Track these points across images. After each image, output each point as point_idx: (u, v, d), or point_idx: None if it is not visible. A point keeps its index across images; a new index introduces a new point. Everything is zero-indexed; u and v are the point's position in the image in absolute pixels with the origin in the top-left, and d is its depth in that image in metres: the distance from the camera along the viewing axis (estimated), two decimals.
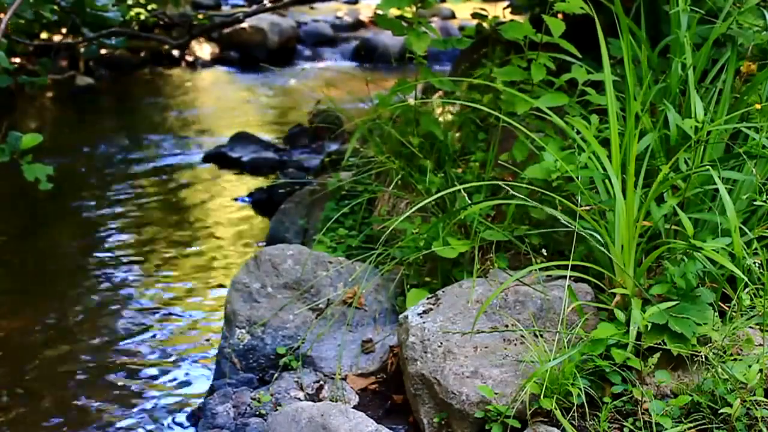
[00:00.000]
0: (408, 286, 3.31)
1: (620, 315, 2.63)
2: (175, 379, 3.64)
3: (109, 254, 4.92)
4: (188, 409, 3.38)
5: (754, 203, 2.82)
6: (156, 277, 4.63)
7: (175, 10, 9.54)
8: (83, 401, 3.48)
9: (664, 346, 2.55)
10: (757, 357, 2.46)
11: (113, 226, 5.34)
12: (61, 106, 8.41)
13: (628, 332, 2.59)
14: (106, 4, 6.13)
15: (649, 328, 2.57)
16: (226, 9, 11.99)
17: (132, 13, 8.42)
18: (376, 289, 3.40)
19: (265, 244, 4.59)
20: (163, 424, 3.32)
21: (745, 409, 2.40)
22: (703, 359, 2.55)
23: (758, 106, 3.00)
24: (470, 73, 4.00)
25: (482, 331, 2.78)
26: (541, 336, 2.74)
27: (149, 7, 8.82)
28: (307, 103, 7.65)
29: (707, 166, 2.73)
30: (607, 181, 2.92)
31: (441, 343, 2.76)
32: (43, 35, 8.43)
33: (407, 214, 3.08)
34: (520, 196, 3.01)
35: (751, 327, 2.63)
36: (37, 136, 3.98)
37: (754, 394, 2.40)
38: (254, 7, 11.08)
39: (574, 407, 2.49)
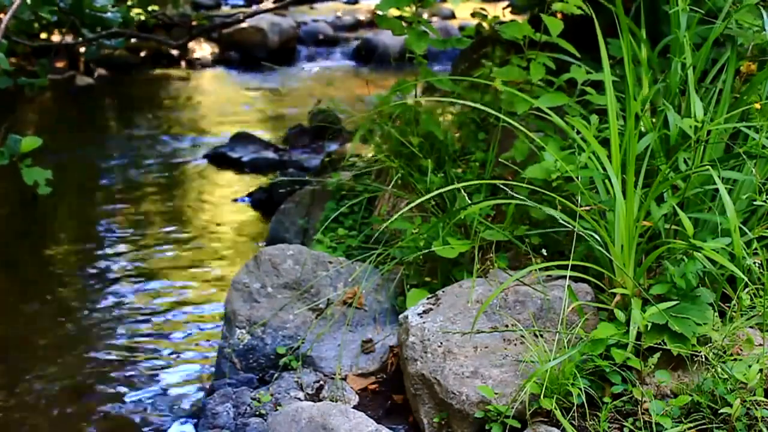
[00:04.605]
0: (408, 286, 3.31)
1: (620, 315, 2.63)
2: (175, 379, 3.64)
3: (108, 254, 4.92)
4: (188, 409, 3.38)
5: (754, 203, 2.82)
6: (156, 276, 4.63)
7: (174, 10, 9.53)
8: (82, 401, 3.48)
9: (664, 346, 2.55)
10: (757, 357, 2.46)
11: (113, 225, 5.34)
12: (61, 106, 8.41)
13: (628, 332, 2.59)
14: (105, 5, 6.14)
15: (649, 328, 2.57)
16: (226, 9, 11.99)
17: (132, 13, 8.42)
18: (376, 289, 3.40)
19: (265, 244, 4.59)
20: (163, 425, 3.32)
21: (745, 409, 2.40)
22: (703, 359, 2.55)
23: (758, 106, 3.00)
24: (470, 72, 4.00)
25: (482, 331, 2.78)
26: (541, 336, 2.74)
27: (149, 8, 8.82)
28: (307, 103, 7.65)
29: (707, 166, 2.73)
30: (607, 181, 2.92)
31: (441, 343, 2.76)
32: (43, 36, 8.43)
33: (402, 212, 3.08)
34: (520, 196, 3.01)
35: (751, 327, 2.63)
36: (36, 139, 3.99)
37: (754, 394, 2.39)
38: (254, 7, 11.09)
39: (574, 407, 2.49)
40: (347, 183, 4.14)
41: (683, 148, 2.92)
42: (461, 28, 6.04)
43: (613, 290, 2.74)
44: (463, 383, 2.64)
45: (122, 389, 3.56)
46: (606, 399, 2.56)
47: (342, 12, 12.20)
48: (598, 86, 3.34)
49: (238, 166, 6.43)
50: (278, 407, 2.97)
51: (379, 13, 3.95)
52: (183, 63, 10.12)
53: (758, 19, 3.28)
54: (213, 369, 3.45)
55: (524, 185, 3.06)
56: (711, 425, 2.43)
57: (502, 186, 3.01)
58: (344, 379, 3.12)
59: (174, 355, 3.84)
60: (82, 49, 8.51)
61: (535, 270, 2.84)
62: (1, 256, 4.88)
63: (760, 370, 2.39)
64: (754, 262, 2.66)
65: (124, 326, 4.09)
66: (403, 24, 3.88)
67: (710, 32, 3.20)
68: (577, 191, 2.93)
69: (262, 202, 5.64)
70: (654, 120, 3.15)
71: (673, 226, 2.86)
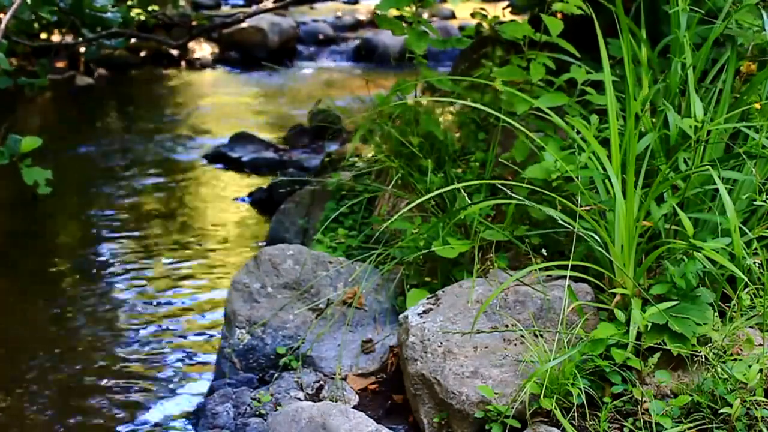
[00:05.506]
0: (408, 286, 3.31)
1: (620, 315, 2.63)
2: (175, 379, 3.64)
3: (108, 254, 4.92)
4: (188, 409, 3.38)
5: (754, 203, 2.82)
6: (156, 276, 4.63)
7: (174, 10, 9.53)
8: (83, 401, 3.48)
9: (664, 346, 2.55)
10: (757, 357, 2.46)
11: (113, 226, 5.34)
12: (61, 106, 8.41)
13: (628, 332, 2.59)
14: (105, 5, 6.14)
15: (649, 328, 2.58)
16: (226, 9, 11.99)
17: (132, 13, 8.42)
18: (376, 289, 3.40)
19: (265, 244, 4.59)
20: (163, 424, 3.32)
21: (745, 409, 2.40)
22: (703, 359, 2.55)
23: (758, 106, 3.00)
24: (470, 72, 4.00)
25: (482, 331, 2.78)
26: (541, 336, 2.74)
27: (149, 8, 8.82)
28: (307, 103, 7.64)
29: (707, 166, 2.73)
30: (607, 181, 2.92)
31: (441, 343, 2.76)
32: (43, 36, 8.43)
33: (402, 212, 3.08)
34: (520, 196, 3.01)
35: (751, 327, 2.63)
36: (36, 139, 3.99)
37: (754, 394, 2.40)
38: (254, 7, 11.08)
39: (574, 407, 2.49)
40: (347, 183, 4.14)
41: (683, 148, 2.92)
42: (461, 28, 6.04)
43: (613, 290, 2.74)
44: (463, 383, 2.64)
45: (121, 389, 3.56)
46: (606, 399, 2.56)
47: (342, 12, 12.21)
48: (598, 86, 3.34)
49: (238, 166, 6.43)
50: (278, 407, 2.97)
51: (379, 13, 3.94)
52: (183, 63, 10.11)
53: (758, 19, 3.28)
54: (213, 369, 3.45)
55: (524, 185, 3.06)
56: (711, 425, 2.43)
57: (501, 186, 3.01)
58: (344, 379, 3.12)
59: (174, 355, 3.83)
60: (82, 49, 8.51)
61: (535, 270, 2.84)
62: (1, 256, 4.88)
63: (760, 370, 2.39)
64: (754, 262, 2.66)
65: (124, 325, 4.09)
66: (403, 24, 3.88)
67: (710, 32, 3.20)
68: (577, 191, 2.93)
69: (262, 202, 5.64)
70: (654, 120, 3.15)
71: (673, 226, 2.86)
